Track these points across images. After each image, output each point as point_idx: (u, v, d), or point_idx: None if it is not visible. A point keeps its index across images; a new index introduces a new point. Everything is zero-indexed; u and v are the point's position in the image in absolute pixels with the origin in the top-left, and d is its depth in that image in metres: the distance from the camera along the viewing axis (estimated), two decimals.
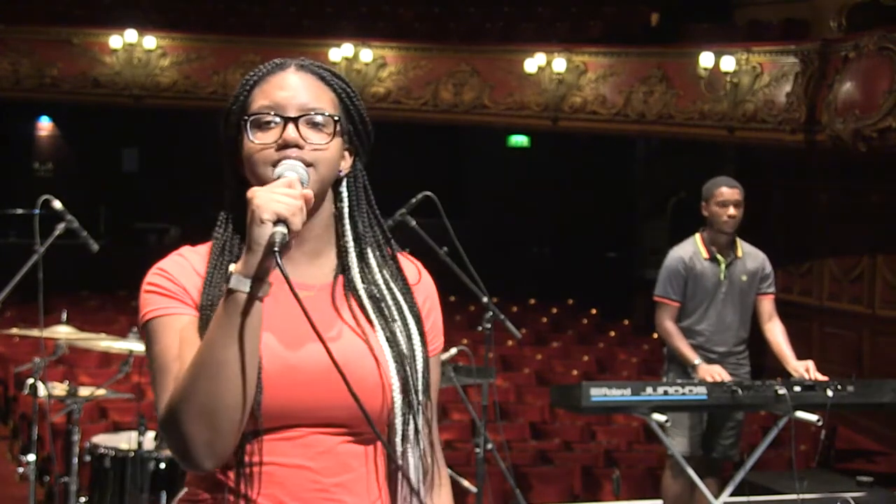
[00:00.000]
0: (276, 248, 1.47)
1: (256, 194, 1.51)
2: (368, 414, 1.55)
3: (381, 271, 1.73)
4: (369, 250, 1.73)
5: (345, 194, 1.72)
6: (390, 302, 1.70)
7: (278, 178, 1.57)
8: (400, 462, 1.68)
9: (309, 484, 1.61)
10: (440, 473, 1.77)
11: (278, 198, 1.50)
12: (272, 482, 1.60)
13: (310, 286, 1.66)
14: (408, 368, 1.66)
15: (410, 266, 1.79)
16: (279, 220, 1.49)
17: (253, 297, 1.50)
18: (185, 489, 1.69)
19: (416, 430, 1.67)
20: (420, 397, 1.68)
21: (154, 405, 1.61)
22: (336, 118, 1.67)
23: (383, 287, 1.71)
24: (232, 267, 1.53)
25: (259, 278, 1.50)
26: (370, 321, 1.68)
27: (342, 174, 1.71)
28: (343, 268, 1.71)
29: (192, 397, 1.51)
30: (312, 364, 1.60)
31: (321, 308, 1.66)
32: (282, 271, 1.48)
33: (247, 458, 1.59)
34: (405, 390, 1.65)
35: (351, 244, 1.72)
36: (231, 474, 1.60)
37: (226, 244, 1.67)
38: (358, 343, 1.66)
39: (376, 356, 1.65)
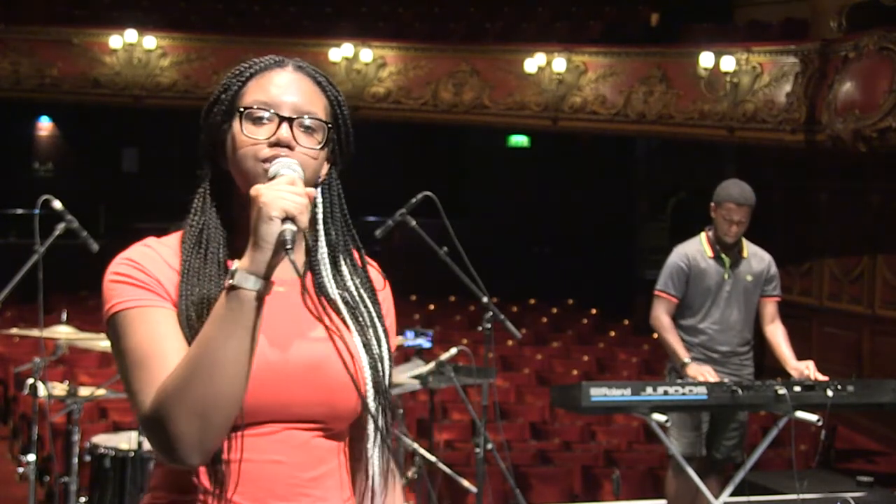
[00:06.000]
0: (289, 246, 1.47)
1: (262, 191, 1.50)
2: (342, 412, 1.64)
3: (352, 278, 1.74)
4: (341, 258, 1.74)
5: (319, 200, 1.71)
6: (363, 309, 1.72)
7: (274, 176, 1.55)
8: (369, 458, 1.71)
9: (284, 479, 1.60)
10: (395, 472, 1.80)
11: (285, 195, 1.49)
12: (247, 479, 1.58)
13: (283, 281, 1.63)
14: (379, 371, 1.69)
15: (375, 273, 1.81)
16: (287, 218, 1.49)
17: (259, 294, 1.49)
18: (150, 493, 1.65)
19: (385, 430, 1.69)
20: (388, 398, 1.70)
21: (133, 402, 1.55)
22: (329, 126, 1.66)
23: (356, 294, 1.73)
24: (236, 263, 1.51)
25: (266, 276, 1.50)
26: (345, 323, 1.69)
27: (319, 181, 1.70)
28: (311, 267, 1.71)
29: (188, 395, 1.48)
30: (293, 362, 1.61)
31: (295, 304, 1.66)
32: (296, 269, 1.50)
33: (223, 456, 1.57)
34: (377, 391, 1.67)
35: (324, 250, 1.71)
36: (205, 472, 1.57)
37: (201, 236, 1.64)
38: (335, 341, 1.66)
39: (353, 354, 1.66)
